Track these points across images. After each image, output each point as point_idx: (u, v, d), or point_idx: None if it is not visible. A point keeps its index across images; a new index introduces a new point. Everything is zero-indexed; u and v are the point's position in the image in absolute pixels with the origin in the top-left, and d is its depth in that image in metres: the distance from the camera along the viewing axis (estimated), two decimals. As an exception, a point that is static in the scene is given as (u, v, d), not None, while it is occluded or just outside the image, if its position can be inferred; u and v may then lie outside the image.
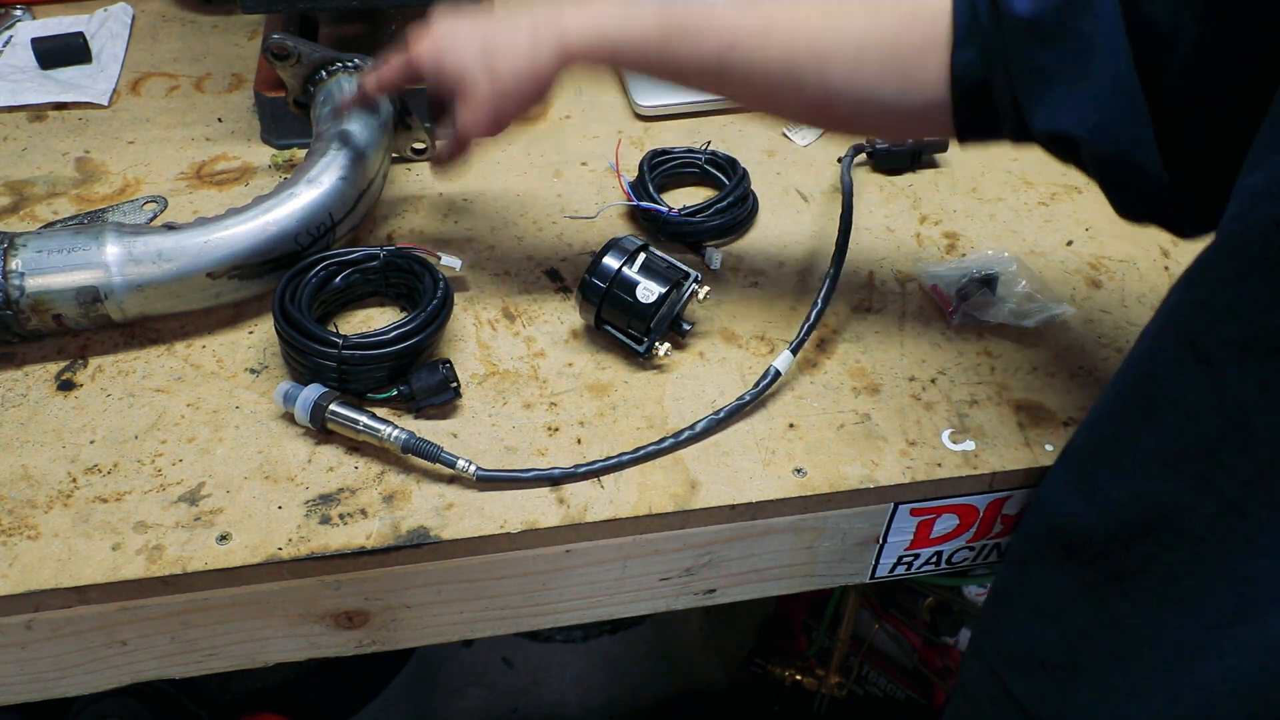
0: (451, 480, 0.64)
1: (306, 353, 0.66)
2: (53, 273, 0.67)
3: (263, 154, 0.90)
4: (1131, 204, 0.57)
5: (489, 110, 0.67)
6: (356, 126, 0.78)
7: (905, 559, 0.72)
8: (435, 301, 0.69)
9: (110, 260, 0.67)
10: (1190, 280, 0.49)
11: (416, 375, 0.66)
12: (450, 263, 0.75)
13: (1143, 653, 0.51)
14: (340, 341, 0.65)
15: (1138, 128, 0.52)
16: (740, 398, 0.68)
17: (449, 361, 0.67)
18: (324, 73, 0.83)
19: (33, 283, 0.66)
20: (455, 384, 0.67)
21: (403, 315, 0.71)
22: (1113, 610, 0.53)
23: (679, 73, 0.65)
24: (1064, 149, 0.57)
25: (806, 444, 0.67)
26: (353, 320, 0.75)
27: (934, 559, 0.73)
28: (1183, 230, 0.57)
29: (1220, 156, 0.50)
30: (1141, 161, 0.53)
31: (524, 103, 0.67)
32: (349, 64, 0.83)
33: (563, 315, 0.76)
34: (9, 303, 0.66)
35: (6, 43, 1.04)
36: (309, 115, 0.84)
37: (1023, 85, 0.56)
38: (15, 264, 0.66)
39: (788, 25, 0.61)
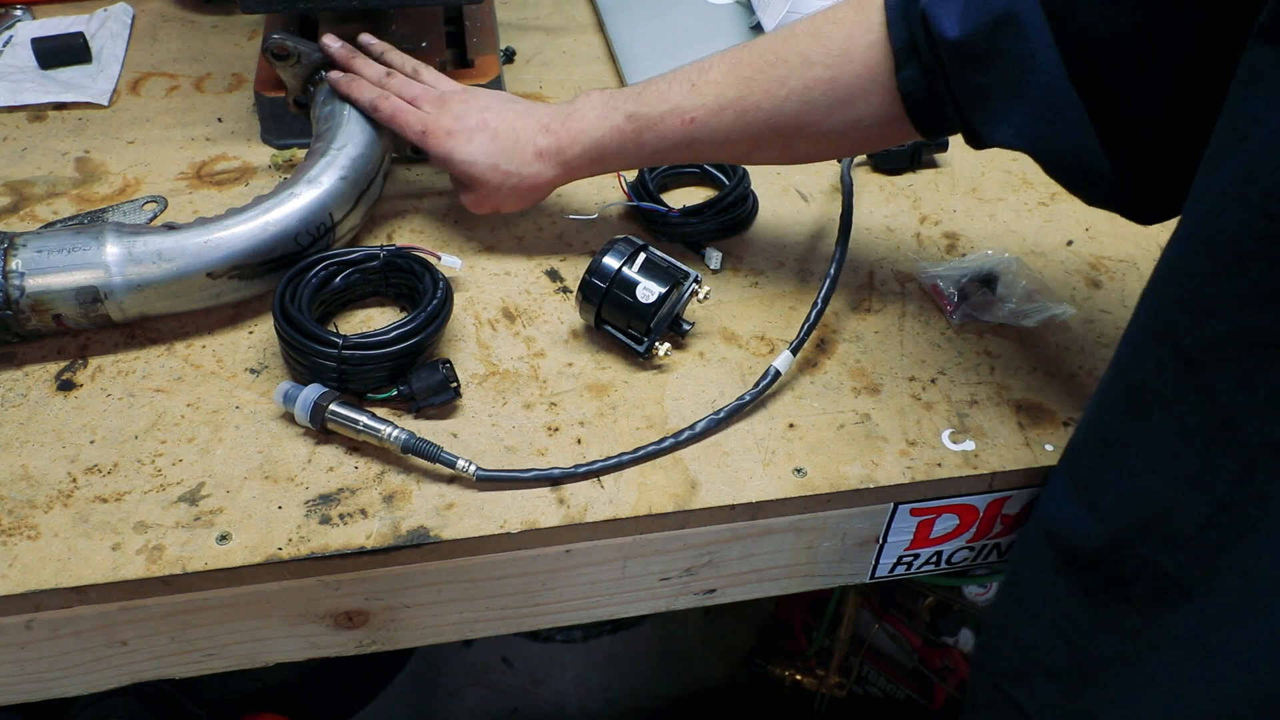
0: (451, 480, 0.64)
1: (306, 353, 0.66)
2: (53, 273, 0.67)
3: (263, 154, 0.90)
4: (1092, 198, 0.59)
5: (490, 207, 0.78)
6: (356, 127, 0.78)
7: (905, 559, 0.72)
8: (435, 301, 0.69)
9: (110, 260, 0.67)
10: (1164, 280, 0.49)
11: (417, 375, 0.66)
12: (450, 263, 0.75)
13: (1148, 655, 0.51)
14: (340, 341, 0.65)
15: (1080, 136, 0.54)
16: (740, 398, 0.68)
17: (449, 361, 0.67)
18: (324, 73, 0.83)
19: (33, 283, 0.66)
20: (455, 384, 0.67)
21: (403, 315, 0.71)
22: (1115, 614, 0.53)
23: (656, 155, 0.72)
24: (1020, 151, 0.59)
25: (806, 444, 0.67)
26: (353, 320, 0.75)
27: (934, 559, 0.73)
28: (1144, 218, 0.59)
29: (1172, 148, 0.52)
30: (1089, 165, 0.55)
31: (522, 206, 0.79)
32: None
33: (563, 315, 0.76)
34: (9, 303, 0.66)
35: (6, 43, 1.04)
36: (309, 115, 0.84)
37: (965, 104, 0.59)
38: (15, 264, 0.66)
39: (734, 95, 0.67)
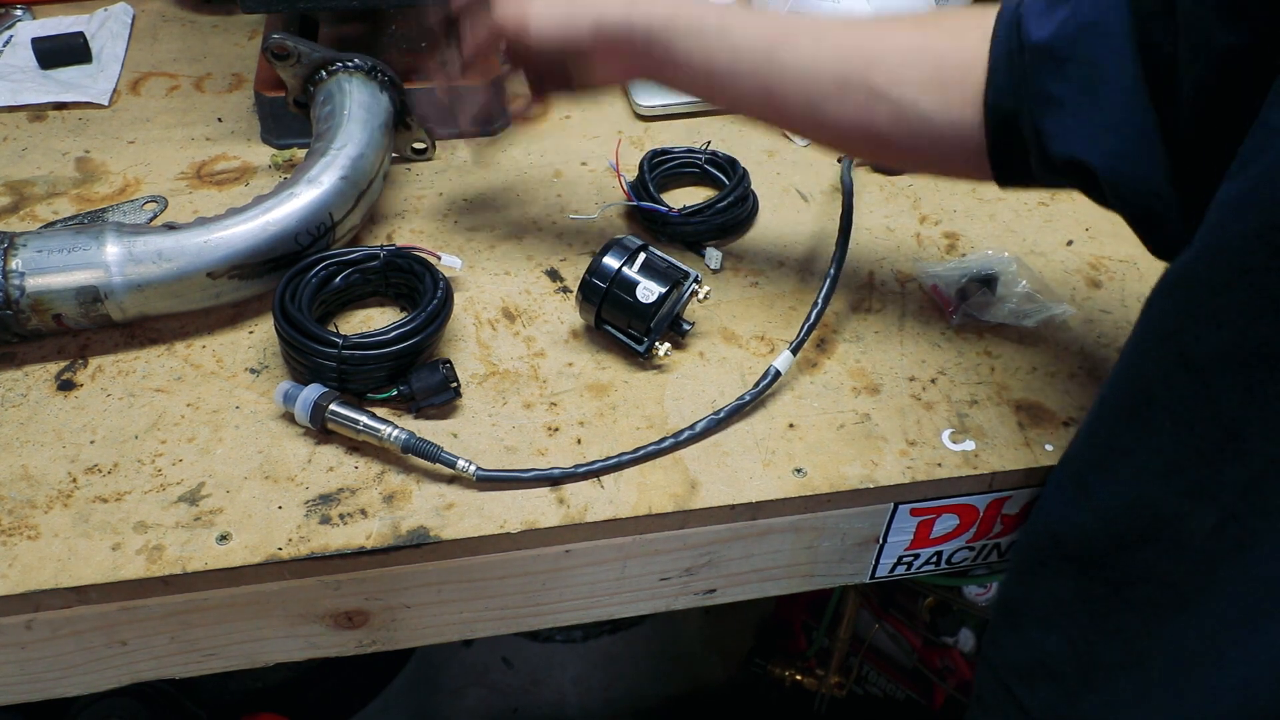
0: (451, 480, 0.64)
1: (307, 353, 0.66)
2: (53, 272, 0.67)
3: (263, 154, 0.90)
4: (1150, 232, 0.56)
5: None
6: (356, 126, 0.78)
7: (905, 559, 0.72)
8: (435, 302, 0.69)
9: (110, 260, 0.67)
10: (1170, 288, 0.48)
11: (417, 375, 0.66)
12: (451, 263, 0.75)
13: (1147, 662, 0.51)
14: (340, 341, 0.65)
15: (1149, 155, 0.52)
16: (740, 398, 0.68)
17: (449, 361, 0.67)
18: (324, 72, 0.83)
19: (33, 282, 0.66)
20: (455, 384, 0.67)
21: (403, 315, 0.71)
22: (1116, 620, 0.53)
23: (731, 59, 0.65)
24: (1086, 181, 0.56)
25: (806, 444, 0.67)
26: (353, 320, 0.75)
27: (934, 559, 0.73)
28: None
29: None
30: (1154, 190, 0.52)
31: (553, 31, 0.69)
32: (349, 64, 0.83)
33: (563, 315, 0.76)
34: (9, 302, 0.66)
35: (6, 43, 1.04)
36: (309, 115, 0.84)
37: (1039, 111, 0.56)
38: (15, 264, 0.66)
39: (840, 28, 0.63)
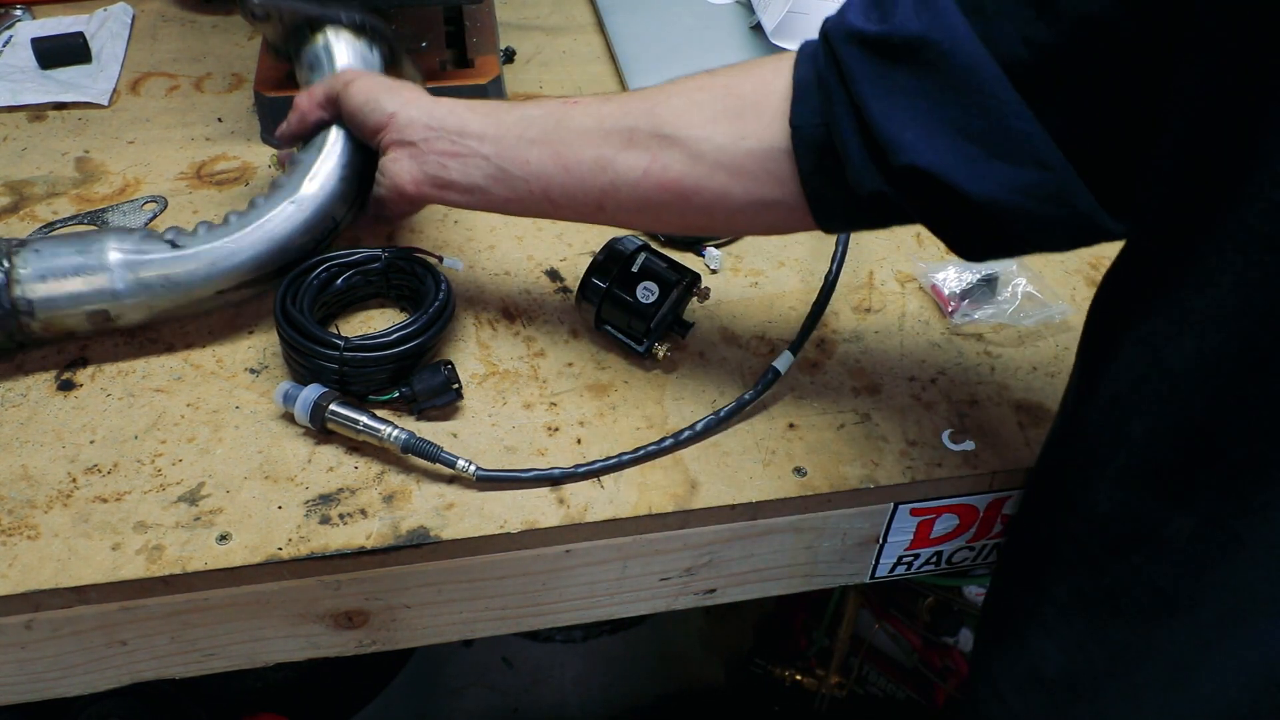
0: (451, 480, 0.64)
1: (309, 355, 0.66)
2: (64, 305, 0.66)
3: (263, 154, 0.90)
4: (1065, 235, 0.51)
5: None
6: None
7: (905, 559, 0.72)
8: (437, 303, 0.69)
9: (120, 286, 0.67)
10: (1151, 292, 0.47)
11: (418, 377, 0.66)
12: (453, 264, 0.75)
13: (1136, 669, 0.51)
14: (342, 344, 0.65)
15: (1023, 124, 0.47)
16: (740, 398, 0.68)
17: (450, 363, 0.67)
18: (308, 30, 0.78)
19: (42, 313, 0.66)
20: (457, 385, 0.67)
21: (405, 317, 0.71)
22: (1106, 627, 0.53)
23: (521, 132, 0.63)
24: (925, 188, 0.50)
25: (806, 444, 0.67)
26: (355, 322, 0.75)
27: (934, 559, 0.73)
28: (1114, 234, 0.51)
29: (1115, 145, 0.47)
30: (1041, 156, 0.47)
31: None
32: (336, 19, 0.78)
33: (563, 315, 0.76)
34: (20, 329, 0.67)
35: (6, 43, 1.04)
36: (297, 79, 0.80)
37: (874, 105, 0.49)
38: (19, 291, 0.66)
39: (630, 92, 0.64)
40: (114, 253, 0.67)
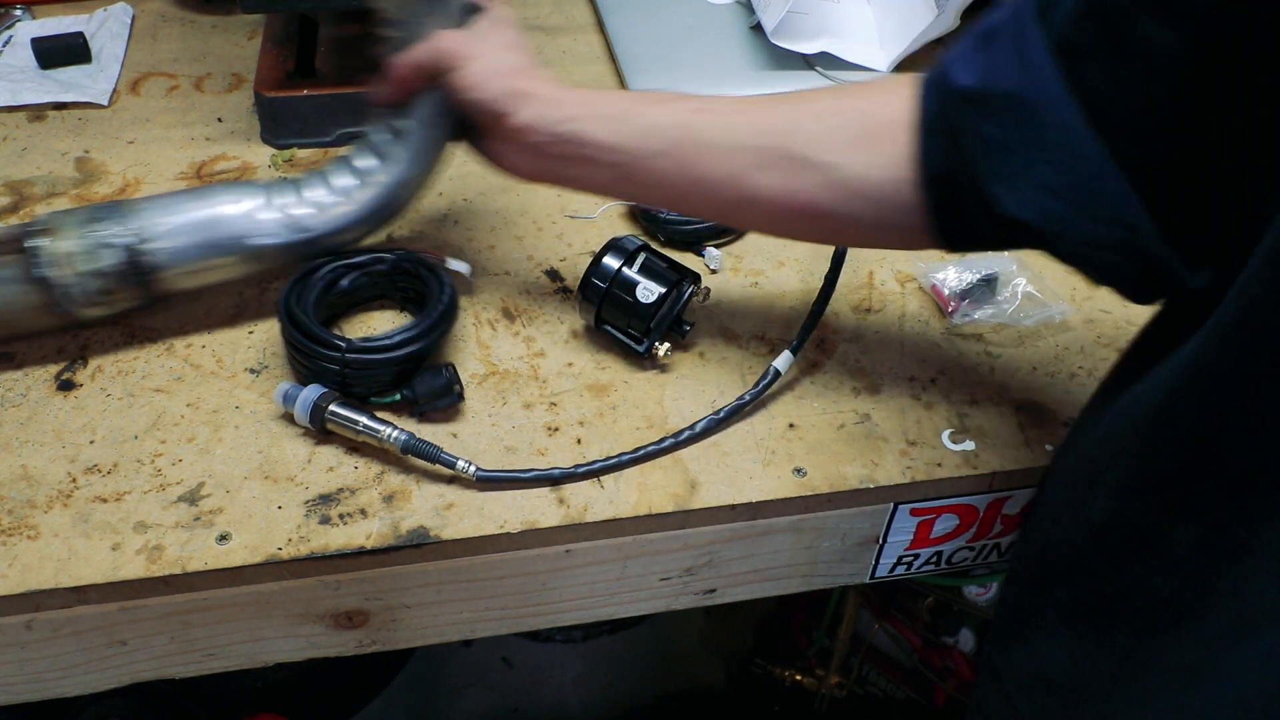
0: (451, 480, 0.64)
1: (311, 355, 0.65)
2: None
3: (262, 154, 0.90)
4: (1130, 273, 0.51)
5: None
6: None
7: (905, 559, 0.72)
8: (441, 307, 0.69)
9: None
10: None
11: (420, 380, 0.66)
12: (459, 267, 0.75)
13: (1145, 675, 0.51)
14: (344, 345, 0.65)
15: (1113, 184, 0.48)
16: (740, 398, 0.68)
17: (453, 366, 0.67)
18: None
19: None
20: (459, 388, 0.67)
21: (409, 319, 0.71)
22: (1110, 633, 0.52)
23: (643, 139, 0.62)
24: (1024, 237, 0.52)
25: (806, 444, 0.67)
26: (360, 324, 0.75)
27: (934, 559, 0.73)
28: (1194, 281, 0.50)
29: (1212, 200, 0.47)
30: (1128, 220, 0.48)
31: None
32: None
33: (563, 315, 0.76)
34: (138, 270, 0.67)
35: (6, 43, 1.04)
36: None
37: (977, 159, 0.51)
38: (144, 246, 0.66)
39: (755, 100, 0.61)
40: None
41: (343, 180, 0.71)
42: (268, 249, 0.69)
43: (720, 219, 0.66)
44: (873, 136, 0.56)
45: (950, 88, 0.52)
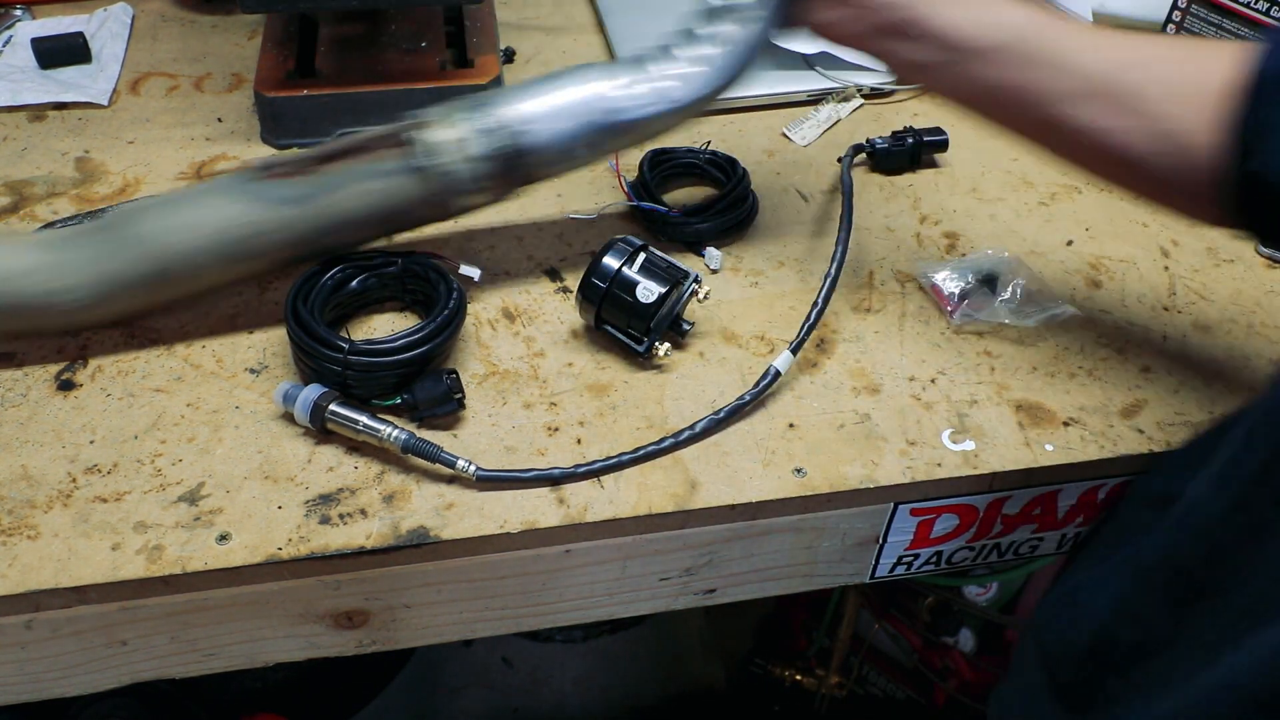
0: (451, 480, 0.64)
1: (314, 355, 0.65)
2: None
3: (263, 154, 0.90)
4: None
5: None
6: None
7: (905, 559, 0.72)
8: (447, 311, 0.69)
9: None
10: None
11: (421, 385, 0.66)
12: (470, 272, 0.74)
13: (1164, 649, 0.51)
14: (346, 346, 0.65)
15: None
16: (740, 398, 0.68)
17: (455, 372, 0.67)
18: None
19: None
20: (459, 395, 0.66)
21: (416, 322, 0.71)
22: (1136, 605, 0.53)
23: (986, 27, 0.60)
24: None
25: (806, 444, 0.67)
26: (369, 325, 0.74)
27: (934, 559, 0.73)
28: None
29: None
30: None
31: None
32: None
33: (563, 315, 0.76)
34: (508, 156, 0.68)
35: (6, 43, 1.04)
36: None
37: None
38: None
39: (1106, 30, 0.60)
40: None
41: (690, 51, 0.70)
42: (640, 121, 0.69)
43: (1021, 135, 0.64)
44: (1205, 101, 0.54)
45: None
